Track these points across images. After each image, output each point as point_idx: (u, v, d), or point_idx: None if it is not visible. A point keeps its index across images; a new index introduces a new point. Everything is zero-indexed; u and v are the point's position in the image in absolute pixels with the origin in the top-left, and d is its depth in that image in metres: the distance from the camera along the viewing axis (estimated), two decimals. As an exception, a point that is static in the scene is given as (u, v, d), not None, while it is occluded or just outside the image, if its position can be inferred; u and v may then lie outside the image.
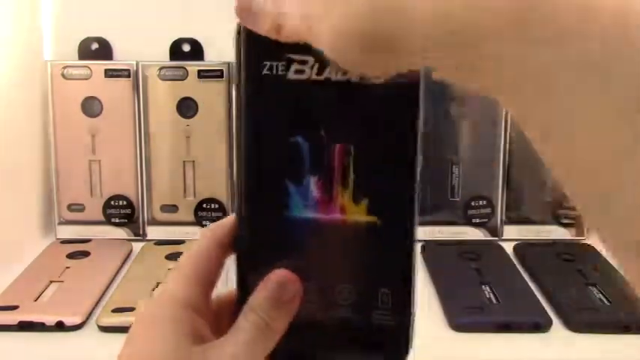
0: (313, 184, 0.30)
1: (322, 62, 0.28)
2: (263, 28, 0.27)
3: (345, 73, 0.28)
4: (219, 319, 0.31)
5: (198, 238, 0.32)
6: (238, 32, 0.30)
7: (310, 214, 0.30)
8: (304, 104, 0.29)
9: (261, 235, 0.31)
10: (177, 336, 0.28)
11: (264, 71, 0.29)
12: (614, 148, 0.21)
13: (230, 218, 0.32)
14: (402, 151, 0.29)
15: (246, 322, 0.29)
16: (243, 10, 0.28)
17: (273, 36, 0.26)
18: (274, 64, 0.29)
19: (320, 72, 0.29)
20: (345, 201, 0.30)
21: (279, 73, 0.29)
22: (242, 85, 0.30)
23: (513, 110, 0.24)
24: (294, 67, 0.29)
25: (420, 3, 0.21)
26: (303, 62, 0.29)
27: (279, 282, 0.30)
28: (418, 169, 0.30)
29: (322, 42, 0.24)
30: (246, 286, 0.31)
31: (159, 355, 0.28)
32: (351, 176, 0.30)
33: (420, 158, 0.30)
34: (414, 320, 0.31)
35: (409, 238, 0.30)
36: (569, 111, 0.21)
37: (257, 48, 0.29)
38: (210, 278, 0.31)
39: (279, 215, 0.30)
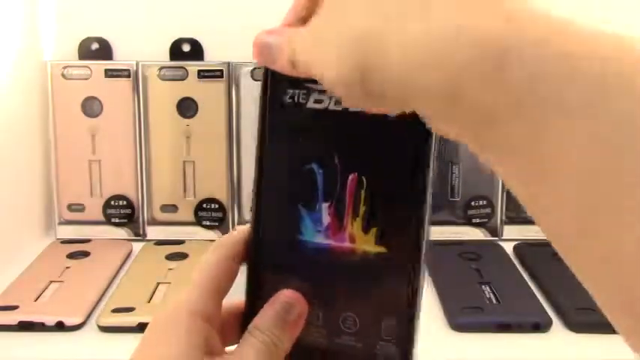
0: (325, 211, 0.31)
1: None
2: (279, 65, 0.28)
3: None
4: (225, 328, 0.32)
5: (210, 250, 0.32)
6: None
7: (320, 240, 0.31)
8: (321, 133, 0.30)
9: (273, 255, 0.32)
10: (189, 346, 0.29)
11: (286, 99, 0.30)
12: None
13: (241, 231, 0.32)
14: (413, 184, 0.30)
15: (253, 340, 0.30)
16: (259, 48, 0.28)
17: (288, 72, 0.28)
18: (296, 92, 0.30)
19: (338, 102, 0.30)
20: (354, 230, 0.31)
21: (300, 101, 0.30)
22: (265, 111, 0.31)
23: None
24: (314, 96, 0.30)
25: (395, 58, 0.22)
26: (322, 92, 0.30)
27: (286, 302, 0.31)
28: (429, 203, 0.31)
29: (325, 84, 0.25)
30: (255, 302, 0.32)
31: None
32: (362, 206, 0.30)
33: (430, 191, 0.31)
34: (416, 352, 0.31)
35: (416, 271, 0.31)
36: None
37: (281, 77, 0.29)
38: (221, 290, 0.31)
39: (292, 238, 0.31)
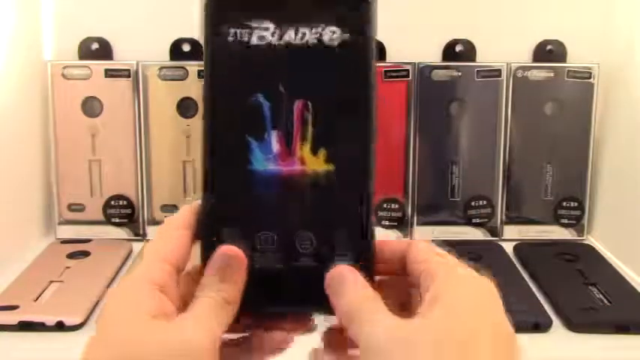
0: (274, 139, 0.33)
1: (282, 29, 0.32)
2: None
3: (303, 38, 0.32)
4: (187, 297, 0.32)
5: (169, 221, 0.34)
6: (205, 2, 0.32)
7: (271, 167, 0.33)
8: (265, 66, 0.32)
9: (227, 189, 0.33)
10: (139, 313, 0.29)
11: (229, 37, 0.32)
12: None
13: (194, 204, 0.34)
14: (356, 103, 0.33)
15: (203, 298, 0.31)
16: None
17: None
18: (238, 31, 0.32)
19: (280, 38, 0.32)
20: (304, 153, 0.33)
21: (243, 39, 0.32)
22: (209, 51, 0.32)
23: None
24: (257, 33, 0.32)
25: None
26: (265, 29, 0.32)
27: (226, 255, 0.32)
28: (374, 120, 0.33)
29: None
30: (212, 245, 0.33)
31: (119, 329, 0.29)
32: (310, 129, 0.32)
33: (374, 109, 0.33)
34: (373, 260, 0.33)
35: (365, 183, 0.33)
36: None
37: (223, 15, 0.32)
38: (176, 259, 0.32)
39: (242, 169, 0.33)
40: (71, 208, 0.88)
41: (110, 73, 0.86)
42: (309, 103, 0.32)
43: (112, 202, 0.87)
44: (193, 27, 0.89)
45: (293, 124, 0.32)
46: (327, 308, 0.32)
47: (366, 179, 0.33)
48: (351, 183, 0.33)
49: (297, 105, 0.32)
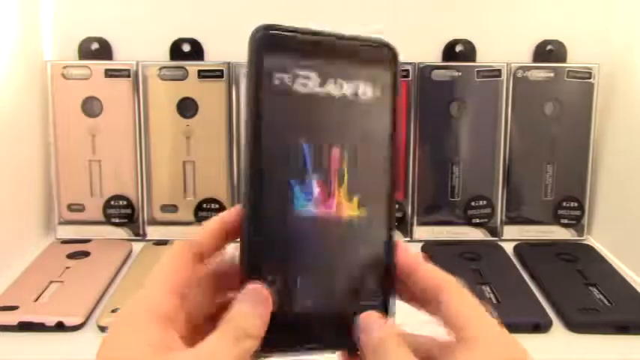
0: (315, 183, 0.34)
1: (323, 79, 0.34)
2: None
3: (341, 90, 0.34)
4: (197, 332, 0.32)
5: (172, 247, 0.33)
6: (254, 48, 0.33)
7: (312, 210, 0.34)
8: (307, 112, 0.34)
9: (268, 227, 0.33)
10: (143, 346, 0.29)
11: (275, 81, 0.33)
12: None
13: (205, 232, 0.34)
14: (383, 153, 0.35)
15: (224, 331, 0.31)
16: None
17: None
18: (284, 76, 0.33)
19: (321, 86, 0.33)
20: (341, 198, 0.34)
21: (287, 84, 0.33)
22: (255, 93, 0.33)
23: None
24: (299, 80, 0.33)
25: None
26: (308, 78, 0.33)
27: (254, 291, 0.32)
28: (396, 170, 0.36)
29: None
30: (246, 278, 0.32)
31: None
32: (345, 176, 0.34)
33: (397, 161, 0.35)
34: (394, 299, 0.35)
35: (391, 229, 0.35)
36: None
37: (270, 61, 0.33)
38: (184, 290, 0.32)
39: (285, 209, 0.33)
40: (71, 208, 0.88)
41: (110, 73, 0.86)
42: (345, 151, 0.34)
43: (112, 202, 0.87)
44: (193, 27, 0.89)
45: (330, 169, 0.34)
46: (351, 349, 0.33)
47: (391, 226, 0.35)
48: (379, 229, 0.35)
49: (334, 151, 0.34)
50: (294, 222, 0.33)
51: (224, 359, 0.29)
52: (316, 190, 0.34)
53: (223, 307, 0.32)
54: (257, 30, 0.32)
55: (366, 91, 0.35)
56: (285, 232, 0.33)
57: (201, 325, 0.33)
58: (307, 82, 0.33)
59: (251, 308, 0.31)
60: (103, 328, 0.65)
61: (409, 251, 0.35)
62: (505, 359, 0.32)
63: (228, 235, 0.34)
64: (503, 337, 0.33)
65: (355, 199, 0.34)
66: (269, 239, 0.33)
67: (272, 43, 0.32)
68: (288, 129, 0.33)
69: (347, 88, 0.34)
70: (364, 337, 0.32)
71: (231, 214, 0.34)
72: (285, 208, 0.33)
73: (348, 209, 0.34)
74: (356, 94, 0.34)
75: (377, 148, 0.35)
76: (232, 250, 0.35)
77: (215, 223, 0.34)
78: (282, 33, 0.33)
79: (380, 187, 0.35)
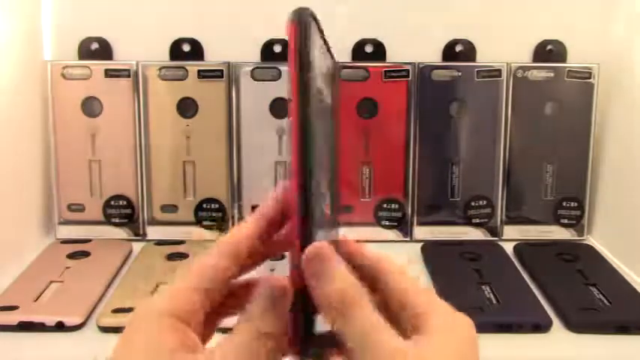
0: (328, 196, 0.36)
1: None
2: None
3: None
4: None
5: (212, 248, 0.32)
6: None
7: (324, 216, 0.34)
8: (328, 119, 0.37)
9: (313, 232, 0.32)
10: (159, 348, 0.29)
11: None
12: None
13: (243, 232, 0.33)
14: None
15: (236, 334, 0.30)
16: None
17: None
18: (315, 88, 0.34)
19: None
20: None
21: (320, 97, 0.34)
22: (304, 109, 0.32)
23: None
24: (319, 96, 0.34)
25: None
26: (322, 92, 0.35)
27: (272, 287, 0.31)
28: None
29: None
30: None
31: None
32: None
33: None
34: None
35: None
36: None
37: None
38: (211, 291, 0.31)
39: (323, 216, 0.34)
40: (71, 208, 0.88)
41: (110, 73, 0.86)
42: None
43: (112, 202, 0.87)
44: (193, 27, 0.89)
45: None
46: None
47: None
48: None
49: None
50: (322, 226, 0.34)
51: None
52: (328, 200, 0.36)
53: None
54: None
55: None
56: (317, 236, 0.32)
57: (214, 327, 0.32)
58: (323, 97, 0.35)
59: (271, 306, 0.30)
60: (103, 328, 0.65)
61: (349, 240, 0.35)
62: (464, 341, 0.32)
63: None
64: (458, 319, 0.33)
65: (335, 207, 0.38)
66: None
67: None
68: (322, 136, 0.34)
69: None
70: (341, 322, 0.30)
71: (270, 209, 0.33)
72: (323, 214, 0.35)
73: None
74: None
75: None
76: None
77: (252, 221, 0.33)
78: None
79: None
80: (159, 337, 0.29)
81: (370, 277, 0.33)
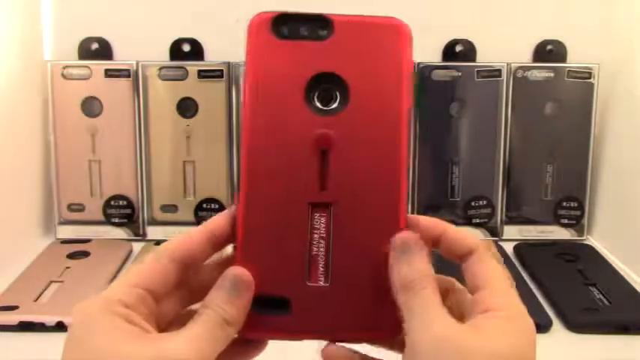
0: None
1: None
2: None
3: None
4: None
5: (154, 250, 0.33)
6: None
7: None
8: None
9: None
10: (112, 333, 0.29)
11: None
12: None
13: (196, 237, 0.34)
14: None
15: (202, 317, 0.31)
16: None
17: None
18: None
19: None
20: None
21: None
22: None
23: None
24: None
25: None
26: None
27: (234, 276, 0.32)
28: None
29: None
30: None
31: (100, 350, 0.29)
32: None
33: None
34: None
35: None
36: None
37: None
38: (155, 287, 0.32)
39: None
40: (71, 208, 0.88)
41: (110, 73, 0.86)
42: None
43: (112, 202, 0.87)
44: (193, 27, 0.89)
45: None
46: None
47: None
48: None
49: None
50: None
51: (199, 347, 0.29)
52: None
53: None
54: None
55: None
56: None
57: (164, 329, 0.32)
58: None
59: (235, 295, 0.31)
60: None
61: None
62: (526, 338, 0.33)
63: (214, 245, 0.34)
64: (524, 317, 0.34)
65: None
66: None
67: None
68: None
69: None
70: (396, 266, 0.32)
71: (218, 222, 0.34)
72: None
73: None
74: None
75: None
76: (211, 268, 0.34)
77: (200, 232, 0.34)
78: None
79: None
80: (108, 323, 0.29)
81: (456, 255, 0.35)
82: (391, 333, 0.32)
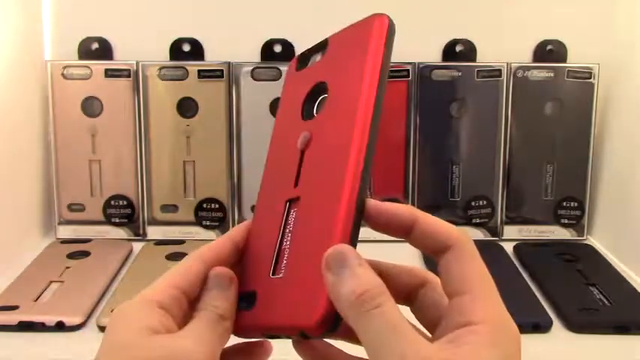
0: None
1: None
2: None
3: None
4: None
5: (189, 254, 0.35)
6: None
7: None
8: None
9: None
10: (141, 328, 0.30)
11: None
12: None
13: (222, 242, 0.35)
14: None
15: (200, 315, 0.33)
16: None
17: None
18: None
19: None
20: None
21: None
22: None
23: None
24: None
25: None
26: None
27: (217, 275, 0.34)
28: None
29: None
30: None
31: (122, 344, 0.30)
32: None
33: None
34: None
35: None
36: None
37: None
38: (188, 288, 0.33)
39: None
40: (71, 208, 0.88)
41: (110, 73, 0.86)
42: None
43: (112, 202, 0.87)
44: (193, 27, 0.89)
45: None
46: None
47: None
48: None
49: None
50: None
51: (205, 345, 0.31)
52: None
53: None
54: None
55: None
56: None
57: None
58: None
59: (222, 292, 0.33)
60: (103, 328, 0.65)
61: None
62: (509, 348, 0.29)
63: (238, 251, 0.35)
64: (506, 322, 0.31)
65: None
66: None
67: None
68: None
69: None
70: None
71: (238, 230, 0.36)
72: None
73: None
74: None
75: None
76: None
77: (224, 239, 0.35)
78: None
79: None
80: (140, 319, 0.31)
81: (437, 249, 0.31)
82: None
